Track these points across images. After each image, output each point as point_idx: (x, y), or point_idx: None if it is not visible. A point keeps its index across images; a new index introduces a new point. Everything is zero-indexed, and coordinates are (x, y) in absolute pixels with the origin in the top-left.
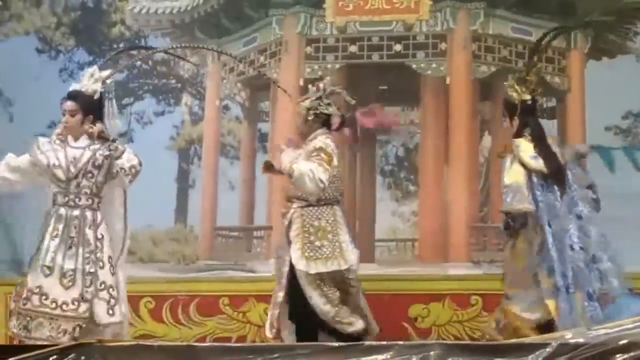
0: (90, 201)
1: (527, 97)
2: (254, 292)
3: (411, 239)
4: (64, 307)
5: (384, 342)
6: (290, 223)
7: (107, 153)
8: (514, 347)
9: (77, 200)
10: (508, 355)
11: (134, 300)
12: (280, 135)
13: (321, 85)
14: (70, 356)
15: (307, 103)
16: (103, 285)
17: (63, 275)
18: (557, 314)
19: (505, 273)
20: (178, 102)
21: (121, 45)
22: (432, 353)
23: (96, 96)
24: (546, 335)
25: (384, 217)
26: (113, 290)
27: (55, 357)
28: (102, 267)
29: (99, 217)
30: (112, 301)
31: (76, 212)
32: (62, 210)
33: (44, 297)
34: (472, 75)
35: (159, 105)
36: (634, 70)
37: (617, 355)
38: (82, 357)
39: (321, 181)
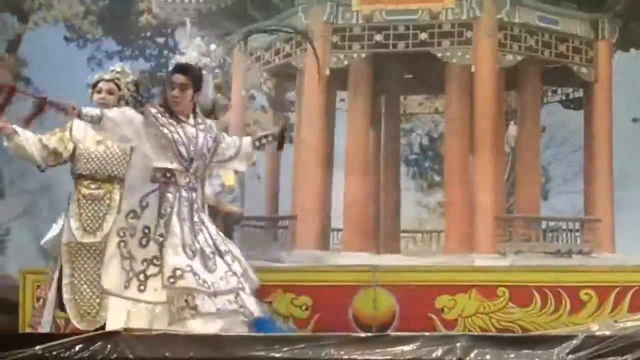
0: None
1: None
2: (281, 283)
3: (437, 231)
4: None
5: (410, 333)
6: None
7: (214, 136)
8: (541, 339)
9: (194, 181)
10: (535, 347)
11: None
12: (306, 125)
13: None
14: (97, 345)
15: None
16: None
17: (207, 258)
18: None
19: None
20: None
21: (148, 34)
22: (458, 344)
23: (204, 71)
24: (572, 328)
25: (409, 207)
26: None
27: (81, 345)
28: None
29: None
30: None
31: (193, 194)
32: (184, 193)
33: (197, 277)
34: (497, 63)
35: None
36: None
37: None
38: (108, 346)
39: None
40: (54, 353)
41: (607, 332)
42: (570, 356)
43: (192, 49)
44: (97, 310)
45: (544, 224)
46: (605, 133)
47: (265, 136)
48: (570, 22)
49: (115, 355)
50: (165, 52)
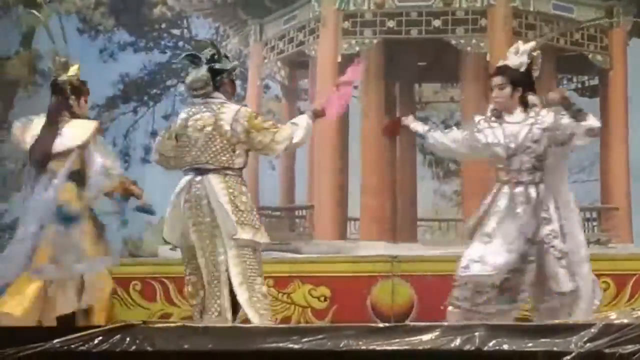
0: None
1: None
2: (299, 274)
3: (454, 219)
4: None
5: (429, 323)
6: None
7: (544, 126)
8: (559, 328)
9: (531, 176)
10: (553, 336)
11: (179, 283)
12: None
13: None
14: (116, 337)
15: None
16: None
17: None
18: None
19: None
20: None
21: (162, 26)
22: (476, 334)
23: (522, 69)
24: (591, 316)
25: (426, 196)
26: None
27: (100, 337)
28: None
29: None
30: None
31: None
32: (505, 188)
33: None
34: None
35: None
36: None
37: None
38: (127, 338)
39: None
40: (73, 346)
41: (625, 321)
42: (588, 344)
43: (511, 53)
44: None
45: None
46: (621, 120)
47: None
48: (585, 10)
49: (134, 347)
50: (181, 43)
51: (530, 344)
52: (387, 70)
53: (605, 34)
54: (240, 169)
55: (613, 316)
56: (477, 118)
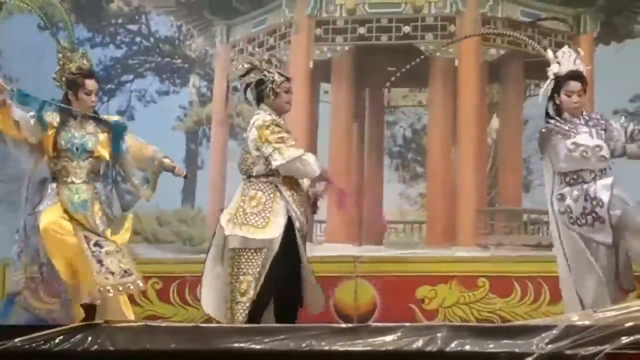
0: None
1: None
2: None
3: (419, 222)
4: None
5: (391, 324)
6: None
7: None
8: (521, 329)
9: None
10: (514, 337)
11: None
12: (288, 117)
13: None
14: (78, 336)
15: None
16: None
17: None
18: None
19: None
20: (185, 82)
21: (119, 21)
22: (439, 335)
23: None
24: (552, 318)
25: (392, 199)
26: None
27: (62, 337)
28: None
29: None
30: None
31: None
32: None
33: None
34: (480, 57)
35: (163, 85)
36: None
37: (623, 338)
38: (89, 338)
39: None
40: (34, 345)
41: (587, 322)
42: (550, 346)
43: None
44: None
45: (525, 217)
46: None
47: None
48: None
49: (95, 347)
50: (138, 39)
51: (492, 345)
52: (356, 75)
53: (572, 40)
54: (259, 176)
55: (575, 318)
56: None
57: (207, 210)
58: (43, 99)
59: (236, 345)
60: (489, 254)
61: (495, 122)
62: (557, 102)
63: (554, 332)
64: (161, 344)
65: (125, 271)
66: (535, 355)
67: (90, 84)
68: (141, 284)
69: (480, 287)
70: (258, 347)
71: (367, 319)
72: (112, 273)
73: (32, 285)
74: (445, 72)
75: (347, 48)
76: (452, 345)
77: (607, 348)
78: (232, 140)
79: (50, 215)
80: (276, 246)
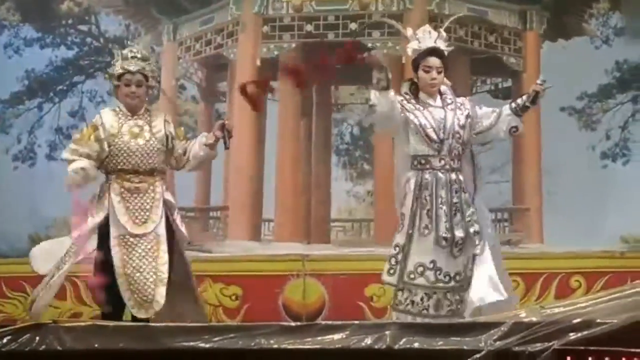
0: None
1: None
2: (210, 272)
3: (367, 220)
4: (457, 278)
5: (340, 322)
6: None
7: (466, 113)
8: (469, 326)
9: (452, 162)
10: (463, 334)
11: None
12: (237, 116)
13: None
14: (25, 336)
15: None
16: None
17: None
18: None
19: None
20: None
21: (70, 21)
22: (387, 332)
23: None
24: (500, 314)
25: (339, 196)
26: None
27: (9, 337)
28: None
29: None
30: None
31: (452, 176)
32: (441, 175)
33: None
34: None
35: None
36: (589, 52)
37: (571, 334)
38: (37, 338)
39: None
40: None
41: (534, 319)
42: (498, 343)
43: (434, 37)
44: (152, 297)
45: None
46: (534, 122)
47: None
48: (500, 13)
49: (43, 346)
50: (89, 39)
51: (440, 342)
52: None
53: (519, 36)
54: None
55: (522, 314)
56: (399, 98)
57: None
58: None
59: (185, 344)
60: None
61: None
62: (415, 80)
63: (502, 328)
64: (109, 343)
65: None
66: (483, 352)
67: None
68: None
69: None
70: (207, 345)
71: (316, 317)
72: None
73: None
74: (393, 70)
75: (294, 45)
76: (401, 342)
77: (555, 344)
78: None
79: None
80: None
